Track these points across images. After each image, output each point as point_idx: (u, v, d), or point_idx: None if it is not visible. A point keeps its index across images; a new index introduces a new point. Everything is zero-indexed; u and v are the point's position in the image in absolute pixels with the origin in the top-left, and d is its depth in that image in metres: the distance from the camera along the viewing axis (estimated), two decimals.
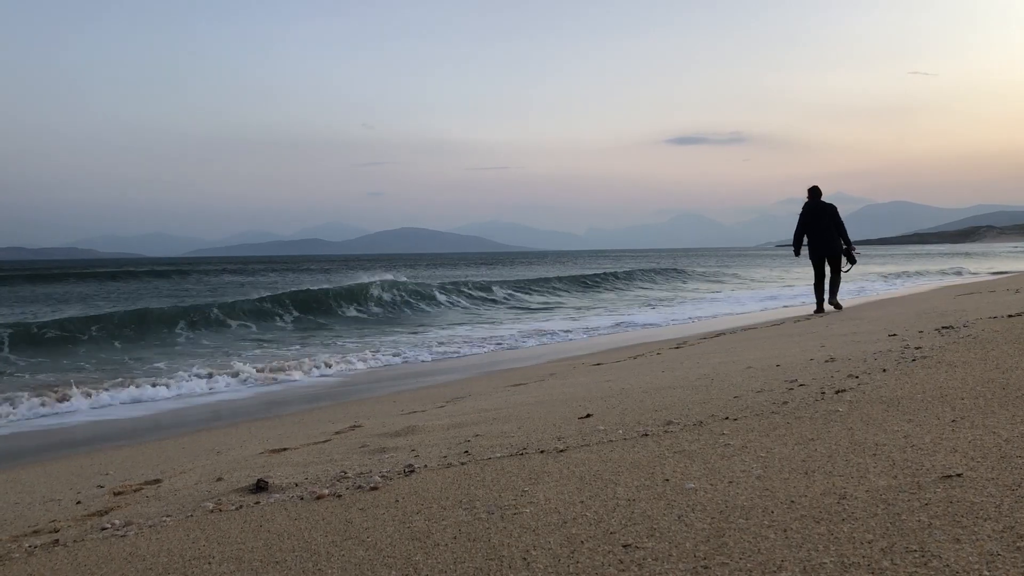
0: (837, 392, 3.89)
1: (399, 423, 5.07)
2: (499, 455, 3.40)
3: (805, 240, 12.48)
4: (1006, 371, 3.96)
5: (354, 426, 5.39)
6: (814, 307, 12.60)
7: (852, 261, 12.49)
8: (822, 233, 12.24)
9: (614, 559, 2.03)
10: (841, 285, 12.69)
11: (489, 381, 8.17)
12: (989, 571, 1.71)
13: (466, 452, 3.58)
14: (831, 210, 12.38)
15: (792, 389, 4.16)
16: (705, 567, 1.91)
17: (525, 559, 2.11)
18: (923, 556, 1.82)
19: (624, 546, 2.11)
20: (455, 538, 2.35)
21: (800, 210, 12.54)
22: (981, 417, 3.06)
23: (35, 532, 3.20)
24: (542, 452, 3.35)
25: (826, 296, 12.41)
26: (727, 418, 3.59)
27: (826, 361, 5.19)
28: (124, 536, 2.90)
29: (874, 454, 2.71)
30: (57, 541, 2.96)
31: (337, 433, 5.11)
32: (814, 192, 12.43)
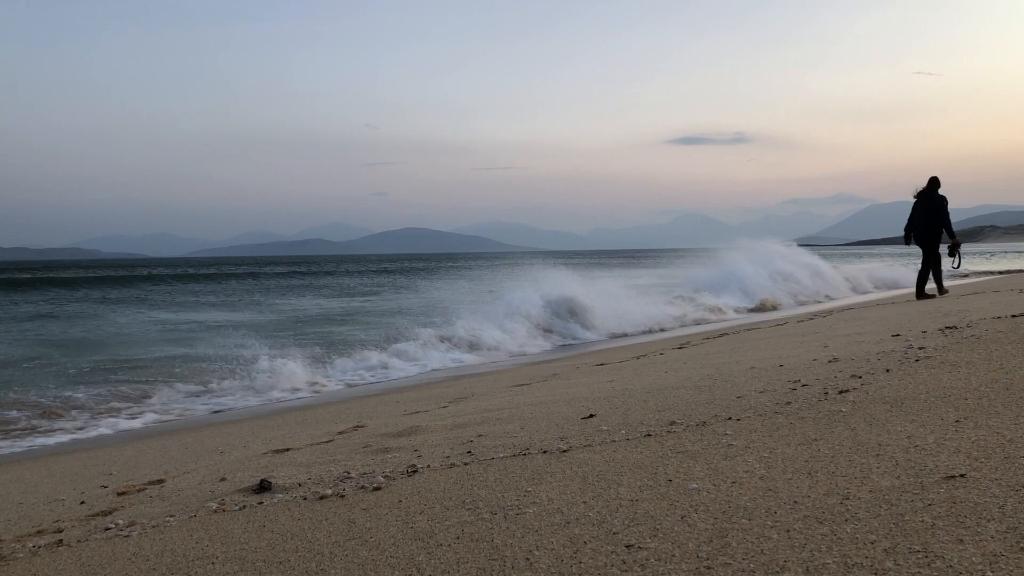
0: (840, 392, 3.88)
1: (402, 423, 5.07)
2: (502, 455, 3.41)
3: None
4: (1010, 371, 3.95)
5: (357, 426, 5.40)
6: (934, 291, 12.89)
7: (951, 254, 12.62)
8: (921, 224, 12.58)
9: (617, 559, 2.03)
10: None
11: (492, 381, 8.17)
12: (992, 572, 1.71)
13: (469, 452, 3.58)
14: (936, 202, 12.55)
15: (795, 389, 4.15)
16: (708, 567, 1.91)
17: (528, 559, 2.11)
18: (926, 557, 1.82)
19: (627, 546, 2.11)
20: (458, 538, 2.36)
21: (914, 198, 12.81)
22: (985, 417, 3.06)
23: (39, 532, 3.21)
24: (545, 452, 3.35)
25: (930, 282, 12.69)
26: (730, 418, 3.59)
27: (829, 361, 5.19)
28: (128, 536, 2.90)
29: (877, 454, 2.70)
30: (61, 541, 2.96)
31: (340, 433, 5.12)
32: (931, 183, 12.68)
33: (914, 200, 12.71)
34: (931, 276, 12.74)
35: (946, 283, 13.24)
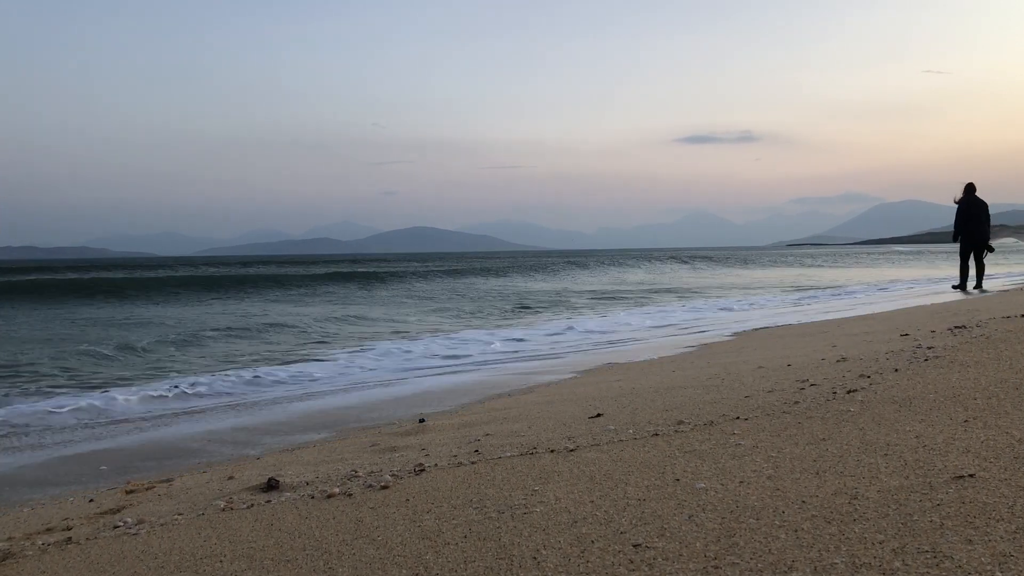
0: (849, 392, 3.87)
1: (409, 422, 5.08)
2: (509, 454, 3.41)
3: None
4: (1019, 371, 3.93)
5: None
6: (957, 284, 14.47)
7: (990, 250, 14.24)
8: (977, 225, 13.97)
9: (624, 559, 2.03)
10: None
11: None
12: (1001, 572, 1.70)
13: (476, 451, 3.58)
14: (984, 206, 14.05)
15: (803, 389, 4.14)
16: (716, 567, 1.91)
17: (535, 558, 2.11)
18: (935, 557, 1.81)
19: (634, 546, 2.11)
20: (465, 537, 2.36)
21: (956, 204, 14.27)
22: (994, 417, 3.04)
23: (48, 530, 3.22)
24: (552, 451, 3.35)
25: (971, 281, 14.13)
26: (738, 418, 3.58)
27: (838, 361, 5.17)
28: (136, 534, 2.91)
29: (886, 454, 2.69)
30: (70, 539, 2.98)
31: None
32: (969, 188, 14.08)
33: (959, 205, 14.02)
34: (972, 272, 14.08)
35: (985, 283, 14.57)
